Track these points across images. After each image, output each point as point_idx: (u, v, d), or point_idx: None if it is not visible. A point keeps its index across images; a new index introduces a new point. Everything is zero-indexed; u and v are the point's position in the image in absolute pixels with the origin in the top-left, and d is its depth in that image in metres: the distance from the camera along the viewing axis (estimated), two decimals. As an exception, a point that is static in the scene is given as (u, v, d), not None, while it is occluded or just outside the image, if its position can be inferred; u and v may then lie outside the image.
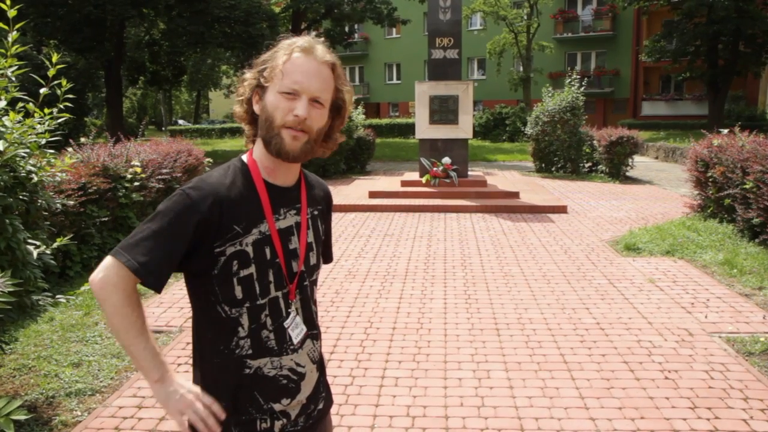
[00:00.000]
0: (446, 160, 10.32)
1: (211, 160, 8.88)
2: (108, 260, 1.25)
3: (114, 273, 1.23)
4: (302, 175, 1.42)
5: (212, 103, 56.31)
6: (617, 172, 13.02)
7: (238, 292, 1.28)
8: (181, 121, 53.31)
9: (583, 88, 13.44)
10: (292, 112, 1.26)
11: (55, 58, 3.10)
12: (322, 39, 1.35)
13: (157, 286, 1.24)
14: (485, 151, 20.69)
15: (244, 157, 1.36)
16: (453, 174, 10.23)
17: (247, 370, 1.32)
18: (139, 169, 6.65)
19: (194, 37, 20.27)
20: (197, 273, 1.28)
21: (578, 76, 13.62)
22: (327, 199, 1.52)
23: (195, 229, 1.23)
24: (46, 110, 3.23)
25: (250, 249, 1.28)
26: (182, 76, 29.71)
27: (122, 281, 1.24)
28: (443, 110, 10.31)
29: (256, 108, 1.32)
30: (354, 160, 14.75)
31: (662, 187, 11.97)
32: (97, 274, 1.25)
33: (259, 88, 1.31)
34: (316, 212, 1.44)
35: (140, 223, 1.27)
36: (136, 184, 6.55)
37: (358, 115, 14.27)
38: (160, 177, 7.10)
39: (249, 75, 1.33)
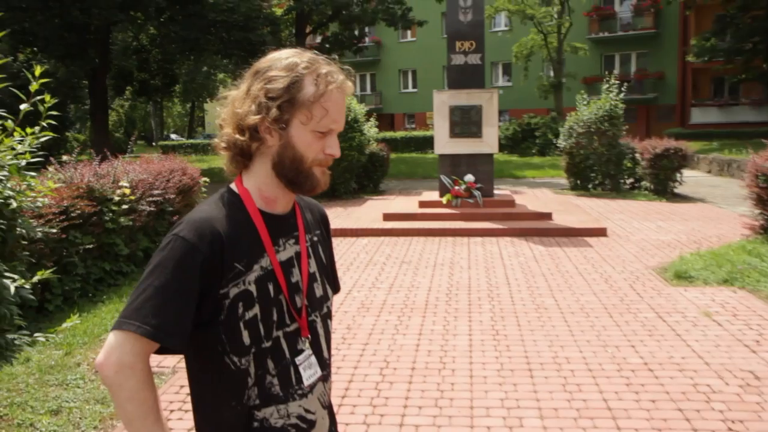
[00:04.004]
0: (469, 177, 10.35)
1: (207, 180, 8.97)
2: (114, 337, 1.22)
3: (128, 351, 1.21)
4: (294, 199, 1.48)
5: (208, 116, 56.99)
6: (664, 189, 12.94)
7: (245, 337, 1.29)
8: (173, 136, 53.99)
9: (622, 94, 13.45)
10: (324, 151, 1.34)
11: (38, 71, 3.17)
12: (344, 66, 1.41)
13: (180, 347, 1.24)
14: (513, 167, 20.69)
15: (234, 187, 1.39)
16: (477, 193, 10.24)
17: (256, 423, 1.33)
18: (127, 191, 6.72)
19: (188, 44, 20.61)
20: (204, 323, 1.28)
21: (617, 81, 13.63)
22: (324, 221, 1.57)
23: (201, 273, 1.24)
24: (28, 129, 3.29)
25: (253, 288, 1.30)
26: (174, 85, 30.21)
27: (139, 359, 1.22)
28: (465, 122, 10.37)
29: (270, 138, 1.33)
30: (366, 178, 14.86)
31: (717, 206, 11.87)
32: (108, 357, 1.21)
33: (274, 120, 1.31)
34: (315, 238, 1.49)
35: (136, 286, 1.27)
36: (125, 207, 6.61)
37: (370, 129, 14.37)
38: (151, 199, 7.16)
39: (259, 97, 1.32)
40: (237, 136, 1.33)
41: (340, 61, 1.40)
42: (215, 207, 1.34)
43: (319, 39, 28.44)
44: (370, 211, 11.14)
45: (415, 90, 38.81)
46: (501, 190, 11.88)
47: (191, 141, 40.91)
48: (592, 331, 5.05)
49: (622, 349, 4.65)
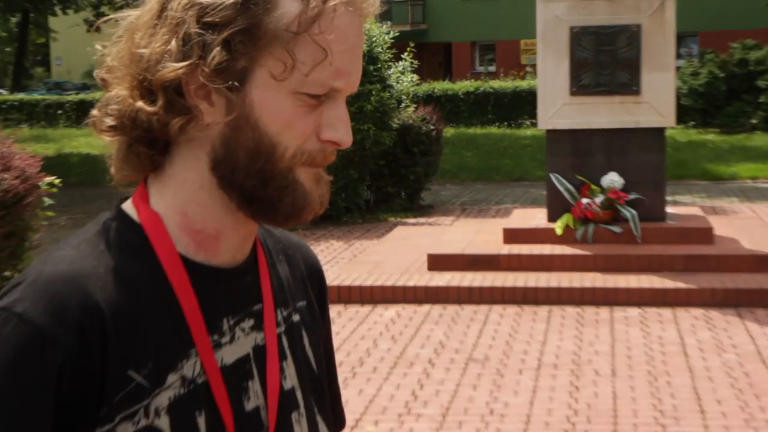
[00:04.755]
0: (612, 180, 10.34)
1: (56, 181, 8.96)
2: None
3: None
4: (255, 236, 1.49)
5: (59, 45, 57.56)
6: None
7: None
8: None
9: None
10: (320, 135, 1.33)
11: None
12: None
13: None
14: (706, 156, 20.57)
15: (130, 210, 1.39)
16: (629, 213, 10.21)
17: None
18: None
19: None
20: None
21: None
22: (314, 279, 1.64)
23: (58, 391, 1.22)
24: None
25: (165, 423, 1.29)
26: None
27: None
28: (604, 61, 10.43)
29: (209, 110, 1.32)
30: (393, 179, 15.00)
31: None
32: None
33: (216, 71, 1.28)
34: (296, 317, 1.53)
35: None
36: None
37: (402, 76, 14.42)
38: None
39: (187, 24, 1.28)
40: (140, 103, 1.31)
41: None
42: (90, 252, 1.33)
43: None
44: (401, 249, 11.19)
45: (495, -6, 38.99)
46: (682, 207, 11.79)
47: (22, 96, 41.23)
48: None
49: None
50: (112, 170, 1.39)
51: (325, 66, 1.28)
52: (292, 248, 1.60)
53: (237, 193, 1.34)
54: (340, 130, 1.32)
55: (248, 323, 1.40)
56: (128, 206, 1.38)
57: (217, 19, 1.26)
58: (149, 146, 1.35)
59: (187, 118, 1.31)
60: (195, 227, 1.37)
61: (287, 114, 1.30)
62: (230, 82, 1.28)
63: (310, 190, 1.34)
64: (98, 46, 1.39)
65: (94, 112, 1.37)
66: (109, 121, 1.34)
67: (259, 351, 1.41)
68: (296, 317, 1.51)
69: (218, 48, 1.26)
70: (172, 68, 1.27)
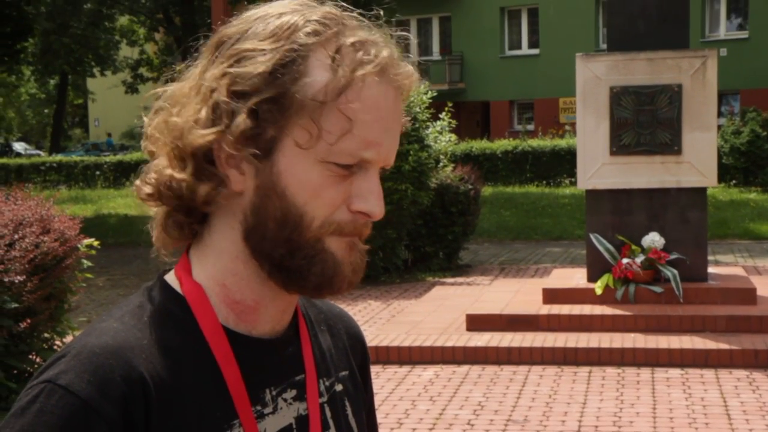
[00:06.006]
0: (653, 240, 10.33)
1: (94, 243, 8.99)
2: None
3: None
4: (297, 306, 1.51)
5: (96, 106, 58.07)
6: None
7: None
8: (18, 146, 54.23)
9: None
10: (350, 206, 1.35)
11: None
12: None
13: None
14: (747, 215, 20.39)
15: (173, 281, 1.43)
16: (670, 273, 10.18)
17: None
18: None
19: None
20: None
21: None
22: (356, 349, 1.65)
23: None
24: None
25: None
26: (24, 40, 30.82)
27: None
28: (645, 121, 10.44)
29: (237, 177, 1.35)
30: (431, 238, 14.98)
31: None
32: None
33: (243, 138, 1.31)
34: (339, 387, 1.54)
35: None
36: None
37: (439, 135, 14.49)
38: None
39: (217, 93, 1.32)
40: (171, 171, 1.36)
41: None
42: (134, 324, 1.35)
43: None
44: (438, 310, 11.17)
45: (534, 52, 38.96)
46: (723, 267, 11.70)
47: (60, 158, 41.37)
48: None
49: None
50: (154, 239, 1.42)
51: (351, 136, 1.30)
52: (334, 318, 1.62)
53: (267, 263, 1.35)
54: (370, 202, 1.33)
55: (290, 393, 1.43)
56: (171, 278, 1.41)
57: (246, 88, 1.29)
58: (187, 215, 1.38)
59: (214, 184, 1.33)
60: (234, 298, 1.39)
61: (314, 183, 1.31)
62: (256, 151, 1.30)
63: (342, 260, 1.36)
64: (145, 119, 1.41)
65: (137, 181, 1.40)
66: (147, 189, 1.38)
67: (302, 421, 1.43)
68: (339, 387, 1.53)
69: (243, 116, 1.28)
70: (200, 135, 1.29)
